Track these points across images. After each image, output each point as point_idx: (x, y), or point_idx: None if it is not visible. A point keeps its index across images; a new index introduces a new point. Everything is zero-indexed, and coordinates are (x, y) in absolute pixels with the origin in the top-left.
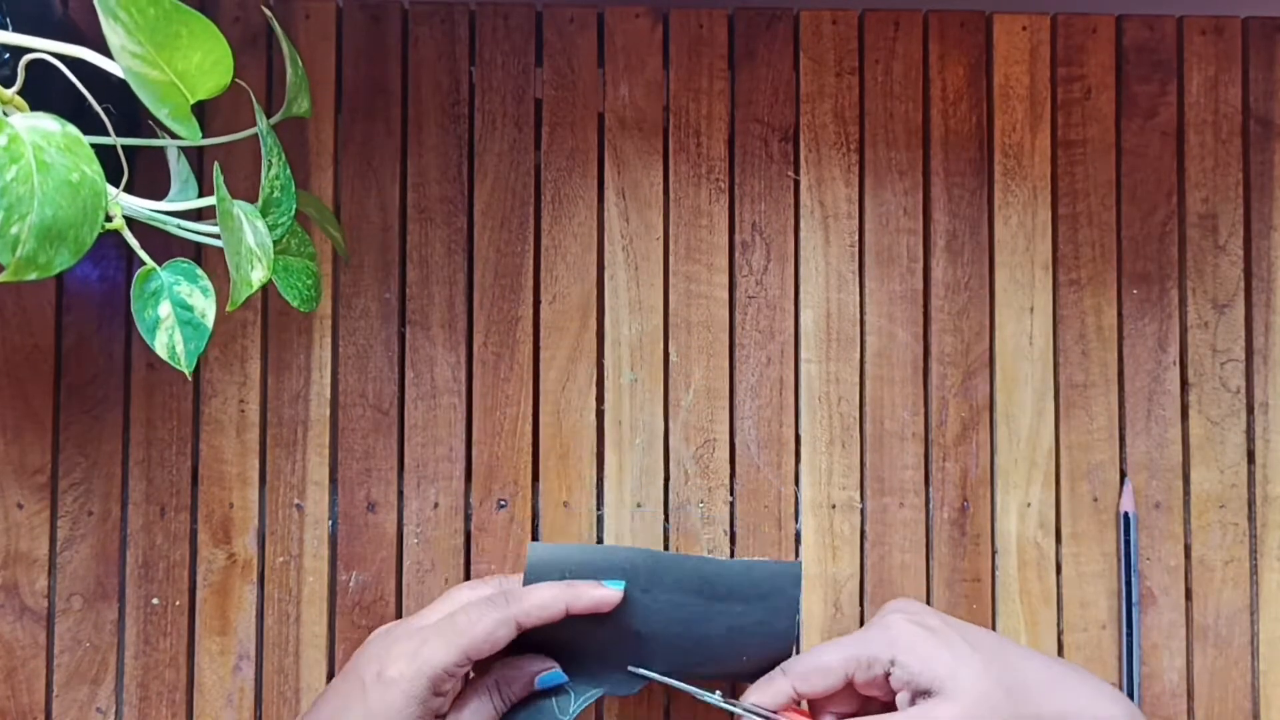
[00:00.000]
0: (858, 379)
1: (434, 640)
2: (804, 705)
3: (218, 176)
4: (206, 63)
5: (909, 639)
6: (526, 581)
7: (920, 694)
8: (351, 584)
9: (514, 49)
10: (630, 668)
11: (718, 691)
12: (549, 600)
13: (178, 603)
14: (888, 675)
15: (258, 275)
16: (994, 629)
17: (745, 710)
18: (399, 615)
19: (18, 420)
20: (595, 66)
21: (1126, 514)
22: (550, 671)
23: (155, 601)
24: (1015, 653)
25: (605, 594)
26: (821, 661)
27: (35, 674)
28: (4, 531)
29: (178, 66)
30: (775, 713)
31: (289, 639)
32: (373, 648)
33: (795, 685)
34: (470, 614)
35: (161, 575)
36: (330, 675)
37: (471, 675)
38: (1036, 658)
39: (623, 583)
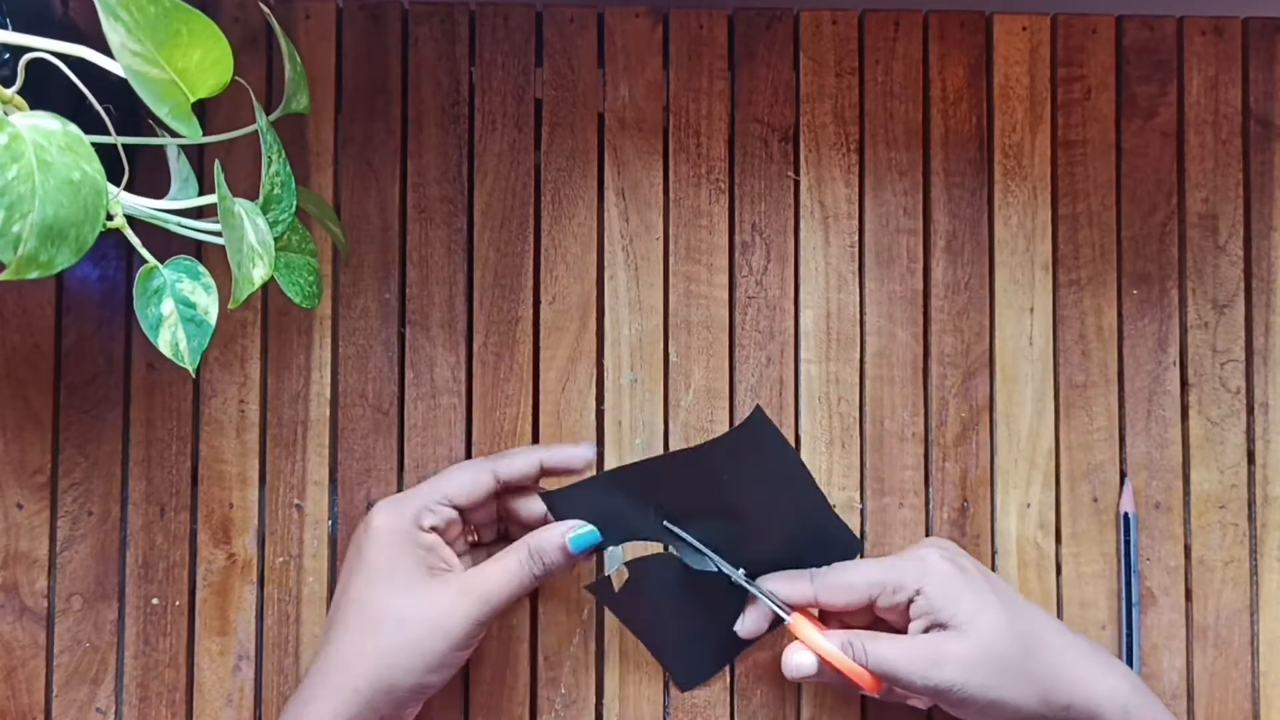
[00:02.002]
0: (858, 379)
1: (413, 491)
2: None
3: (219, 174)
4: (206, 61)
5: (939, 573)
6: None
7: (936, 626)
8: None
9: (514, 49)
10: (665, 522)
11: (741, 569)
12: (526, 453)
13: (177, 603)
14: (910, 603)
15: (259, 272)
16: None
17: (762, 594)
18: None
19: (18, 420)
20: (595, 66)
21: (1126, 514)
22: (580, 532)
23: (155, 601)
24: (1038, 615)
25: (578, 452)
26: (850, 578)
27: (35, 674)
28: (4, 531)
29: (178, 65)
30: (790, 607)
31: (289, 639)
32: (360, 524)
33: (818, 594)
34: (450, 469)
35: (161, 575)
36: None
37: (473, 539)
38: (1058, 626)
39: (593, 445)
